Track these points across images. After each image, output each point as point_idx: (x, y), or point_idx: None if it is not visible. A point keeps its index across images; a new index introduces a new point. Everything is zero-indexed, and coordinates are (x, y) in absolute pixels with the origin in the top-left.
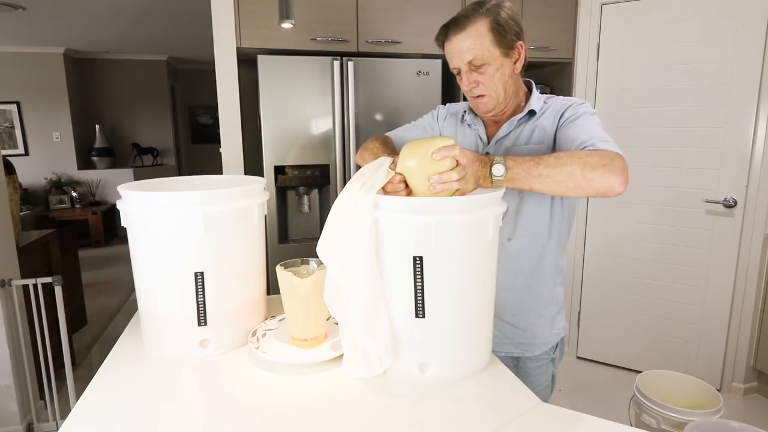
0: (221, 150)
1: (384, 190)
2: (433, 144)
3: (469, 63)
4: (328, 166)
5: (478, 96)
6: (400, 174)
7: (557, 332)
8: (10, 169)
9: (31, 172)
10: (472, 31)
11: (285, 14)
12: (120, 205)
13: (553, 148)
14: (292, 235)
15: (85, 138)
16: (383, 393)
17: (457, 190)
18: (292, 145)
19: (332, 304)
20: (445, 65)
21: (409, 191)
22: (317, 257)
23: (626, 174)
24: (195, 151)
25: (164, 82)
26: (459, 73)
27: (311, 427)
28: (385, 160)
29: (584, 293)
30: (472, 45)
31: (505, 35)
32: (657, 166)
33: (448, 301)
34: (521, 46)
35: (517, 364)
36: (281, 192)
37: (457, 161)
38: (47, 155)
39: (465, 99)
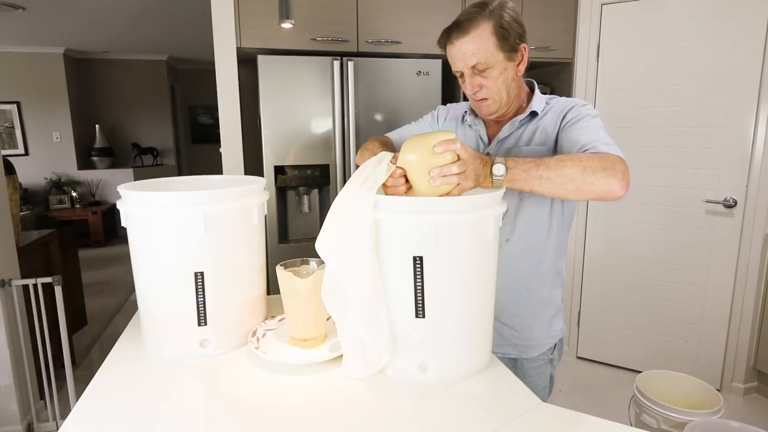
0: (221, 150)
1: (384, 185)
2: (434, 138)
3: (473, 67)
4: (328, 166)
5: (482, 99)
6: (401, 168)
7: (555, 334)
8: (10, 169)
9: (31, 172)
10: (475, 35)
11: (285, 14)
12: (120, 205)
13: (555, 149)
14: (292, 235)
15: (85, 138)
16: (383, 393)
17: (457, 185)
18: (292, 145)
19: (330, 300)
20: (446, 65)
21: (409, 186)
22: (317, 257)
23: (627, 178)
24: (195, 151)
25: (164, 82)
26: (462, 76)
27: (311, 427)
28: (386, 155)
29: (584, 293)
30: (475, 49)
31: (509, 38)
32: (657, 166)
33: (448, 301)
34: (524, 48)
35: (514, 365)
36: (281, 192)
37: (458, 156)
38: (47, 155)
39: (465, 99)
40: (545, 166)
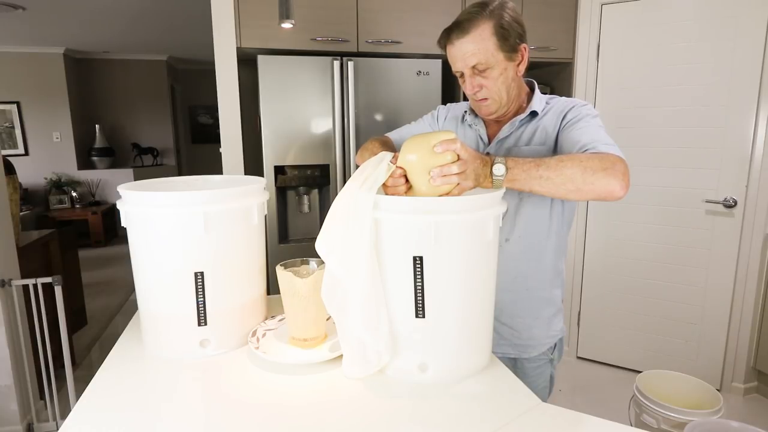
0: (221, 150)
1: (384, 185)
2: (434, 138)
3: (473, 67)
4: (328, 166)
5: (482, 99)
6: (401, 168)
7: (554, 334)
8: (10, 169)
9: (31, 172)
10: (475, 36)
11: (285, 14)
12: (120, 205)
13: (555, 149)
14: (292, 235)
15: (85, 138)
16: (383, 393)
17: (457, 185)
18: (292, 145)
19: (330, 300)
20: (446, 65)
21: (409, 186)
22: (317, 257)
23: (627, 178)
24: (195, 151)
25: (164, 82)
26: (462, 76)
27: (311, 427)
28: (386, 155)
29: (584, 293)
30: (475, 50)
31: (509, 39)
32: (657, 166)
33: (448, 301)
34: (524, 48)
35: (514, 365)
36: (281, 192)
37: (458, 155)
38: (47, 155)
39: (465, 99)
40: (545, 166)
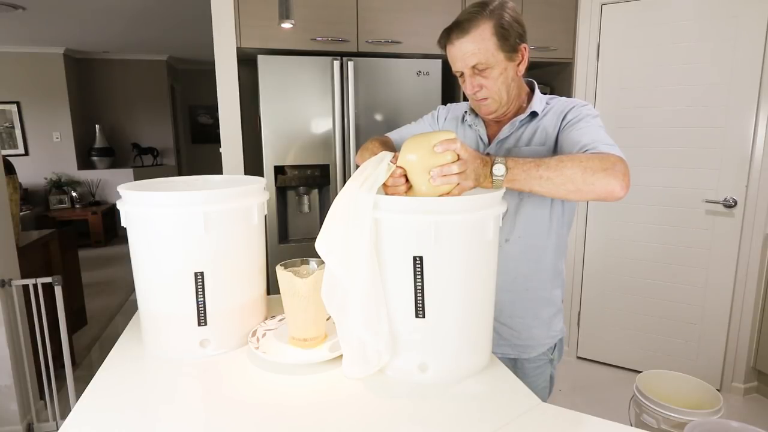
0: (221, 150)
1: (384, 185)
2: (434, 138)
3: (473, 67)
4: (328, 166)
5: (482, 99)
6: (401, 168)
7: (554, 334)
8: (10, 169)
9: (31, 172)
10: (476, 36)
11: (285, 14)
12: (120, 205)
13: (555, 150)
14: (292, 235)
15: (85, 138)
16: (383, 393)
17: (457, 185)
18: (292, 145)
19: (330, 300)
20: (446, 65)
21: (409, 186)
22: (317, 257)
23: (628, 178)
24: (195, 151)
25: (164, 82)
26: (462, 76)
27: (311, 427)
28: (386, 155)
29: (584, 293)
30: (476, 49)
31: (509, 39)
32: (657, 166)
33: (448, 301)
34: (525, 48)
35: (514, 365)
36: (281, 192)
37: (458, 155)
38: (47, 155)
39: (465, 99)
40: (545, 166)
